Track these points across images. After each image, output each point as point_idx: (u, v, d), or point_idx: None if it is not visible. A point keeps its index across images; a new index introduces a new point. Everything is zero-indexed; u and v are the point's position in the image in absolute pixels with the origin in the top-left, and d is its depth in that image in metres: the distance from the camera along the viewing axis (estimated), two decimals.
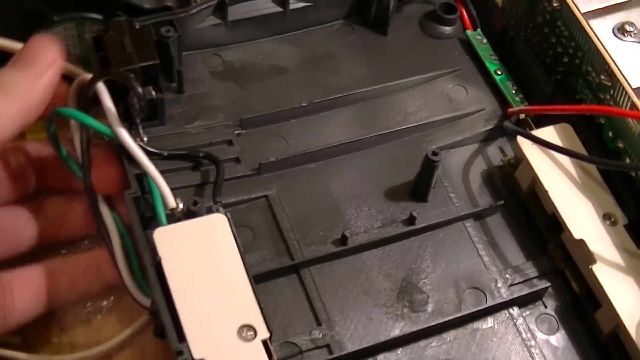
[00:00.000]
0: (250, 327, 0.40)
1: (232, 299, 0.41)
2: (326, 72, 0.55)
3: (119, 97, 0.46)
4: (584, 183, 0.48)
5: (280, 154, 0.50)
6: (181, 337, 0.39)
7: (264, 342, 0.40)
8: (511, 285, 0.48)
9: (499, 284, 0.47)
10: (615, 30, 0.50)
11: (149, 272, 0.41)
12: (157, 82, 0.48)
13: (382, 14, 0.56)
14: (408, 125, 0.52)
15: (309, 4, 0.55)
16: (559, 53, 0.53)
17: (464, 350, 0.45)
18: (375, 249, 0.48)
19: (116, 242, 0.45)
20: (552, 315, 0.47)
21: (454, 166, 0.52)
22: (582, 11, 0.50)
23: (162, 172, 0.44)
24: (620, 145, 0.49)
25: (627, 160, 0.49)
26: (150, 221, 0.46)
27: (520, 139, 0.49)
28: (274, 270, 0.46)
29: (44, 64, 0.43)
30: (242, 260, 0.42)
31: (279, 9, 0.55)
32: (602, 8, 0.51)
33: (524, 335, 0.46)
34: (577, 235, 0.46)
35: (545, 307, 0.48)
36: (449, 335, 0.46)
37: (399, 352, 0.45)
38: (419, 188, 0.50)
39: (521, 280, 0.48)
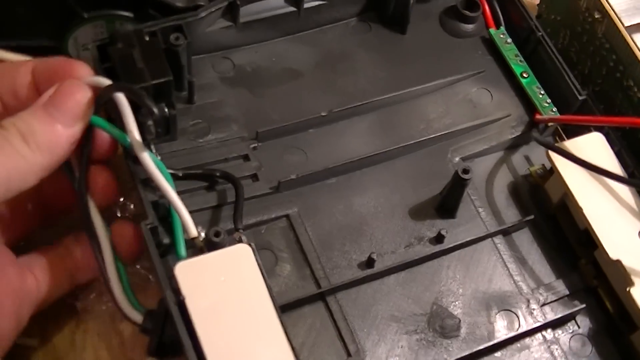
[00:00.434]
0: None
1: (261, 336, 0.39)
2: (343, 74, 0.52)
3: None
4: (619, 198, 0.46)
5: (299, 168, 0.48)
6: None
7: None
8: (543, 305, 0.46)
9: (532, 305, 0.46)
10: None
11: (172, 310, 0.39)
12: (169, 97, 0.45)
13: (401, 10, 0.53)
14: (432, 135, 0.50)
15: (324, 1, 0.52)
16: (598, 64, 0.51)
17: None
18: (403, 271, 0.46)
19: (108, 257, 0.42)
20: (586, 336, 0.46)
21: (479, 176, 0.50)
22: (626, 24, 0.48)
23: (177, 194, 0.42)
24: None
25: None
26: (165, 248, 0.44)
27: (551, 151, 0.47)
28: (299, 299, 0.44)
29: (74, 115, 0.40)
30: (270, 294, 0.40)
31: (293, 9, 0.52)
32: None
33: None
34: (613, 255, 0.44)
35: (579, 327, 0.46)
36: None
37: None
38: (446, 204, 0.48)
39: (553, 299, 0.46)
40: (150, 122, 0.42)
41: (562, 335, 0.46)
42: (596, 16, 0.50)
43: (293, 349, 0.39)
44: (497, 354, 0.44)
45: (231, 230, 0.43)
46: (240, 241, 0.42)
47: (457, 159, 0.50)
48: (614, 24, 0.48)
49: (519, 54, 0.53)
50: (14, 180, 0.38)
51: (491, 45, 0.54)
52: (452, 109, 0.52)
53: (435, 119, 0.51)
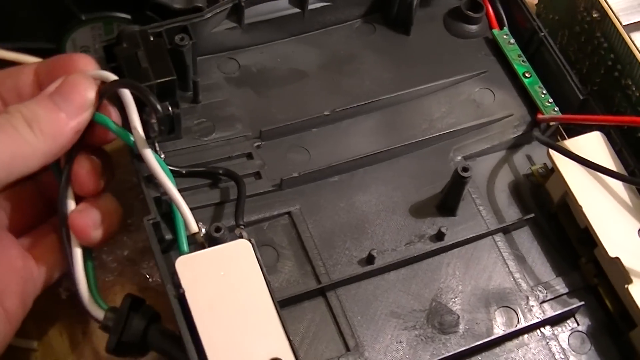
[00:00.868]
0: None
1: (259, 331, 0.40)
2: (347, 75, 0.53)
3: None
4: (619, 197, 0.46)
5: (302, 166, 0.48)
6: None
7: None
8: (543, 302, 0.46)
9: (531, 302, 0.46)
10: None
11: (172, 303, 0.40)
12: (174, 97, 0.45)
13: (405, 12, 0.54)
14: (435, 134, 0.50)
15: (328, 3, 0.53)
16: (596, 64, 0.51)
17: None
18: (403, 268, 0.46)
19: (77, 249, 0.43)
20: (585, 333, 0.46)
21: (481, 175, 0.50)
22: (624, 23, 0.48)
23: (179, 191, 0.42)
24: None
25: None
26: (168, 244, 0.44)
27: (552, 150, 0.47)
28: (299, 294, 0.44)
29: (79, 105, 0.41)
30: (269, 289, 0.40)
31: (297, 10, 0.52)
32: None
33: (557, 357, 0.45)
34: (612, 253, 0.44)
35: (578, 324, 0.46)
36: (482, 358, 0.44)
37: None
38: (447, 202, 0.48)
39: (553, 296, 0.47)
40: (154, 120, 0.42)
41: (561, 332, 0.46)
42: (594, 15, 0.50)
43: (290, 342, 0.39)
44: (496, 350, 0.45)
45: (233, 226, 0.44)
46: (240, 237, 0.42)
47: (459, 157, 0.50)
48: (612, 23, 0.49)
49: (522, 54, 0.53)
50: (16, 164, 0.39)
51: (494, 46, 0.54)
52: (455, 108, 0.52)
53: (438, 118, 0.51)
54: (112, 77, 0.43)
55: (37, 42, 0.50)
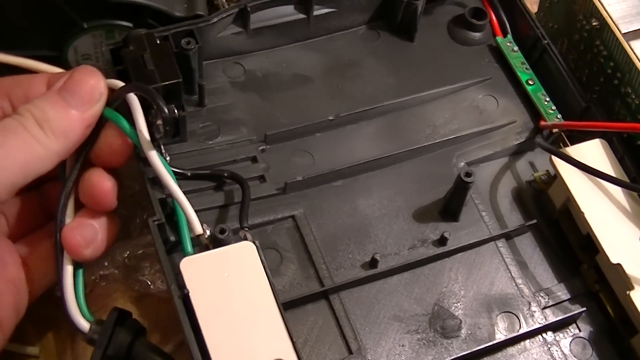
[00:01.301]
0: None
1: (263, 332, 0.40)
2: (351, 81, 0.53)
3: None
4: (621, 203, 0.46)
5: (306, 170, 0.48)
6: None
7: None
8: (544, 308, 0.47)
9: (533, 307, 0.46)
10: None
11: (177, 304, 0.40)
12: (179, 99, 0.46)
13: (409, 19, 0.54)
14: (438, 140, 0.50)
15: (333, 9, 0.53)
16: (595, 72, 0.51)
17: None
18: (405, 272, 0.47)
19: (67, 259, 0.43)
20: (586, 339, 0.46)
21: (484, 181, 0.51)
22: (623, 32, 0.49)
23: (184, 193, 0.43)
24: None
25: None
26: (172, 246, 0.45)
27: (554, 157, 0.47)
28: (303, 297, 0.45)
29: (88, 99, 0.41)
30: (273, 291, 0.41)
31: (303, 16, 0.53)
32: None
33: None
34: (614, 259, 0.45)
35: (580, 330, 0.47)
36: None
37: None
38: (450, 207, 0.48)
39: (555, 302, 0.47)
40: (160, 122, 0.43)
41: (563, 338, 0.46)
42: (594, 24, 0.50)
43: (294, 344, 0.39)
44: (498, 355, 0.45)
45: (237, 229, 0.44)
46: (245, 239, 0.43)
47: (462, 163, 0.50)
48: (612, 31, 0.49)
49: (525, 61, 0.54)
50: (31, 166, 0.39)
51: (498, 53, 0.55)
52: (459, 114, 0.52)
53: (441, 124, 0.52)
54: (119, 83, 0.43)
55: (39, 50, 0.51)
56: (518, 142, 0.52)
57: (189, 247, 0.42)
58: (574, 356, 0.46)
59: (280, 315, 0.40)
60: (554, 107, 0.52)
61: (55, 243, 0.43)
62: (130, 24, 0.51)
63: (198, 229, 0.42)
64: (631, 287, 0.44)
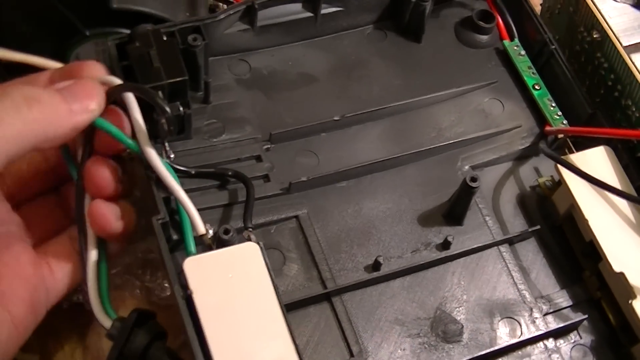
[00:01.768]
0: None
1: (265, 334, 0.40)
2: (357, 81, 0.53)
3: (143, 112, 0.43)
4: (625, 211, 0.46)
5: (310, 170, 0.48)
6: None
7: None
8: (546, 314, 0.47)
9: (535, 314, 0.46)
10: None
11: (180, 305, 0.40)
12: (185, 97, 0.46)
13: (416, 20, 0.54)
14: (443, 143, 0.50)
15: (341, 8, 0.53)
16: (596, 84, 0.52)
17: None
18: (408, 275, 0.46)
19: (92, 254, 0.43)
20: (587, 347, 0.46)
21: (488, 185, 0.51)
22: (624, 44, 0.49)
23: (188, 191, 0.43)
24: None
25: None
26: (176, 244, 0.44)
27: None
28: (305, 299, 0.44)
29: (85, 106, 0.41)
30: (276, 292, 0.40)
31: (310, 14, 0.53)
32: None
33: None
34: (617, 268, 0.45)
35: (581, 337, 0.47)
36: None
37: None
38: (454, 211, 0.48)
39: (556, 309, 0.47)
40: (163, 121, 0.42)
41: (564, 344, 0.46)
42: (595, 36, 0.51)
43: (296, 346, 0.39)
44: None
45: (241, 229, 0.44)
46: (249, 239, 0.43)
47: (466, 167, 0.50)
48: (613, 43, 0.49)
49: (532, 66, 0.53)
50: (7, 138, 0.37)
51: (505, 57, 0.55)
52: (464, 118, 0.52)
53: (447, 127, 0.52)
54: (118, 81, 0.43)
55: (42, 57, 0.50)
56: (523, 146, 0.51)
57: (192, 247, 0.42)
58: None
59: (283, 317, 0.40)
60: (559, 113, 0.52)
61: (78, 231, 0.43)
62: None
63: (201, 229, 0.42)
64: (633, 296, 0.44)
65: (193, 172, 0.46)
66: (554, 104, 0.52)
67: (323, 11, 0.53)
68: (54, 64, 0.46)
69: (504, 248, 0.48)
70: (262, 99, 0.51)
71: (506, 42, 0.55)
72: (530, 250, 0.49)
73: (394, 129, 0.51)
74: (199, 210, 0.42)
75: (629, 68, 0.49)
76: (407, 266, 0.46)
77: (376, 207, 0.48)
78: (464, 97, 0.53)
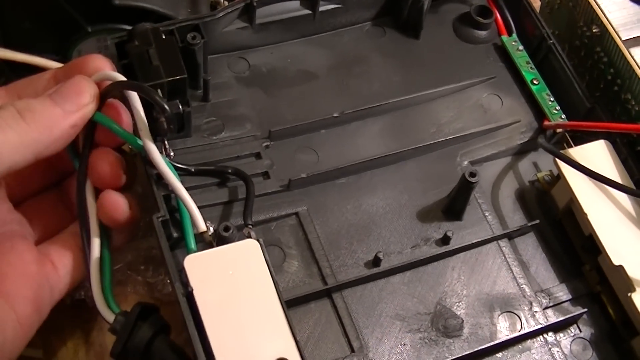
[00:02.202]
0: None
1: (266, 330, 0.40)
2: (356, 78, 0.53)
3: (143, 110, 0.44)
4: (624, 205, 0.47)
5: (310, 167, 0.48)
6: None
7: None
8: (546, 308, 0.47)
9: (534, 307, 0.46)
10: None
11: (181, 302, 0.40)
12: (184, 95, 0.46)
13: (415, 16, 0.54)
14: (442, 139, 0.50)
15: (339, 5, 0.53)
16: (596, 78, 0.52)
17: None
18: (408, 271, 0.47)
19: (95, 248, 0.43)
20: (587, 340, 0.46)
21: (487, 180, 0.51)
22: (623, 38, 0.49)
23: (188, 189, 0.43)
24: None
25: None
26: (177, 241, 0.45)
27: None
28: (305, 295, 0.45)
29: (77, 104, 0.41)
30: (277, 289, 0.41)
31: (308, 11, 0.53)
32: None
33: None
34: (616, 261, 0.45)
35: (580, 331, 0.47)
36: None
37: None
38: (453, 206, 0.48)
39: (556, 303, 0.47)
40: (162, 119, 0.43)
41: (564, 338, 0.46)
42: (594, 30, 0.51)
43: (297, 342, 0.39)
44: (499, 355, 0.45)
45: (241, 226, 0.44)
46: (249, 236, 0.43)
47: (466, 162, 0.50)
48: (612, 38, 0.49)
49: (530, 61, 0.54)
50: (3, 152, 0.38)
51: (503, 52, 0.55)
52: (464, 113, 0.52)
53: (446, 122, 0.52)
54: (121, 77, 0.43)
55: (44, 54, 0.50)
56: (522, 141, 0.52)
57: (192, 244, 0.42)
58: (575, 357, 0.46)
59: (284, 314, 0.40)
60: (558, 107, 0.52)
61: (80, 223, 0.43)
62: None
63: (202, 226, 0.42)
64: (633, 289, 0.44)
65: (193, 169, 0.46)
66: (552, 99, 0.52)
67: (321, 8, 0.53)
68: (55, 64, 0.46)
69: (503, 243, 0.48)
70: (262, 96, 0.51)
71: (504, 37, 0.55)
72: (529, 245, 0.49)
73: (393, 125, 0.51)
74: (199, 207, 0.43)
75: (628, 62, 0.49)
76: (407, 262, 0.46)
77: (376, 203, 0.49)
78: (462, 92, 0.53)
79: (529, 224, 0.49)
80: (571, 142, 0.50)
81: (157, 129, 0.43)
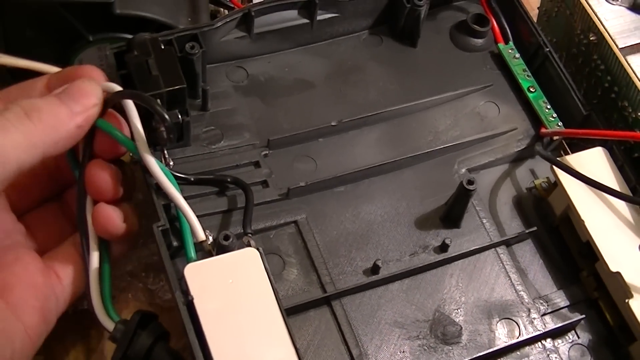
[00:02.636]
0: None
1: (267, 339, 0.40)
2: (354, 86, 0.53)
3: (142, 120, 0.44)
4: (621, 212, 0.47)
5: (308, 176, 0.49)
6: None
7: None
8: (544, 314, 0.47)
9: (533, 314, 0.46)
10: None
11: (181, 310, 0.40)
12: (183, 105, 0.46)
13: (412, 24, 0.54)
14: (440, 147, 0.51)
15: (336, 14, 0.54)
16: (593, 85, 0.52)
17: None
18: (407, 278, 0.47)
19: (94, 257, 0.43)
20: (585, 346, 0.47)
21: (484, 188, 0.51)
22: (620, 46, 0.49)
23: (187, 198, 0.43)
24: None
25: None
26: (177, 250, 0.45)
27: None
28: (305, 303, 0.45)
29: (84, 105, 0.41)
30: (276, 297, 0.41)
31: (306, 21, 0.53)
32: None
33: None
34: (613, 267, 0.45)
35: (579, 337, 0.47)
36: None
37: None
38: (451, 214, 0.49)
39: (554, 309, 0.47)
40: (162, 129, 0.43)
41: (562, 344, 0.47)
42: (591, 38, 0.51)
43: (297, 351, 0.40)
44: None
45: (240, 234, 0.44)
46: (248, 245, 0.43)
47: (463, 170, 0.51)
48: (609, 45, 0.50)
49: (527, 69, 0.54)
50: (9, 153, 0.38)
51: (500, 60, 0.55)
52: (461, 121, 0.53)
53: (443, 130, 0.52)
54: (118, 88, 0.43)
55: (45, 62, 0.50)
56: (519, 149, 0.52)
57: (192, 253, 0.43)
58: None
59: (284, 322, 0.40)
60: (555, 115, 0.52)
61: (80, 231, 0.43)
62: None
63: (201, 235, 0.42)
64: (630, 296, 0.44)
65: (192, 179, 0.47)
66: (549, 106, 0.52)
67: (319, 17, 0.53)
68: (57, 70, 0.46)
69: (501, 250, 0.48)
70: (260, 105, 0.51)
71: (501, 45, 0.55)
72: (527, 252, 0.49)
73: (390, 133, 0.52)
74: (198, 216, 0.43)
75: (625, 70, 0.49)
76: (406, 269, 0.46)
77: (374, 211, 0.49)
78: (459, 100, 0.53)
79: (527, 231, 0.49)
80: (568, 150, 0.51)
81: (156, 139, 0.44)
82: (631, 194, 0.47)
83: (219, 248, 0.43)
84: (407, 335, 0.45)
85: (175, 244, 0.45)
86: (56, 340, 0.48)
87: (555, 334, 0.47)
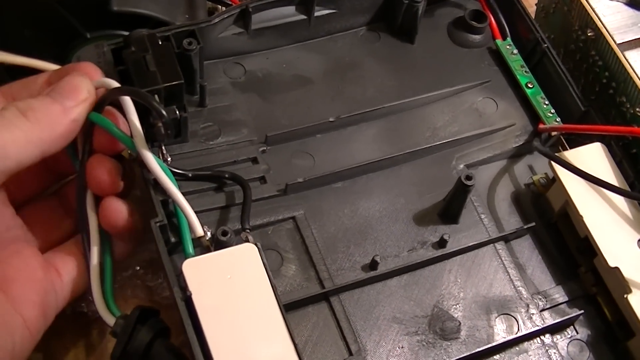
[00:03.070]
0: None
1: (265, 334, 0.40)
2: (351, 82, 0.53)
3: (140, 116, 0.44)
4: (619, 207, 0.47)
5: (306, 172, 0.49)
6: None
7: None
8: (542, 310, 0.47)
9: (531, 310, 0.46)
10: None
11: (179, 306, 0.40)
12: (181, 100, 0.46)
13: (409, 20, 0.54)
14: (437, 142, 0.51)
15: (334, 10, 0.54)
16: (591, 81, 0.52)
17: None
18: (405, 274, 0.47)
19: (95, 252, 0.43)
20: (584, 342, 0.47)
21: (483, 183, 0.51)
22: (618, 42, 0.49)
23: (186, 194, 0.43)
24: None
25: None
26: (175, 246, 0.45)
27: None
28: (303, 299, 0.45)
29: (76, 99, 0.42)
30: (275, 293, 0.41)
31: (303, 17, 0.53)
32: (639, 39, 0.50)
33: None
34: (612, 262, 0.45)
35: (577, 332, 0.47)
36: None
37: None
38: (449, 209, 0.48)
39: (552, 305, 0.47)
40: (160, 125, 0.43)
41: (561, 340, 0.47)
42: (589, 34, 0.51)
43: (296, 346, 0.40)
44: (496, 357, 0.45)
45: (238, 230, 0.44)
46: (246, 241, 0.43)
47: (461, 166, 0.51)
48: (607, 41, 0.50)
49: (525, 64, 0.54)
50: (10, 151, 0.39)
51: (497, 56, 0.55)
52: (459, 117, 0.53)
53: (441, 126, 0.52)
54: (116, 84, 0.43)
55: (44, 59, 0.50)
56: (517, 145, 0.52)
57: (190, 248, 0.42)
58: (572, 358, 0.46)
59: (282, 317, 0.40)
60: (553, 111, 0.52)
61: (80, 225, 0.43)
62: None
63: (199, 231, 0.42)
64: (629, 291, 0.44)
65: (190, 174, 0.47)
66: (547, 102, 0.52)
67: (316, 14, 0.53)
68: (55, 67, 0.46)
69: (499, 245, 0.48)
70: (258, 101, 0.51)
71: (499, 41, 0.55)
72: (525, 247, 0.49)
73: (388, 129, 0.52)
74: (196, 212, 0.43)
75: (622, 65, 0.49)
76: (404, 265, 0.46)
77: (372, 207, 0.49)
78: (457, 96, 0.53)
79: (525, 227, 0.49)
80: (566, 145, 0.51)
81: (154, 135, 0.43)
82: (629, 189, 0.47)
83: (217, 244, 0.43)
84: (406, 331, 0.45)
85: (173, 239, 0.45)
86: (54, 336, 0.48)
87: (553, 329, 0.47)
